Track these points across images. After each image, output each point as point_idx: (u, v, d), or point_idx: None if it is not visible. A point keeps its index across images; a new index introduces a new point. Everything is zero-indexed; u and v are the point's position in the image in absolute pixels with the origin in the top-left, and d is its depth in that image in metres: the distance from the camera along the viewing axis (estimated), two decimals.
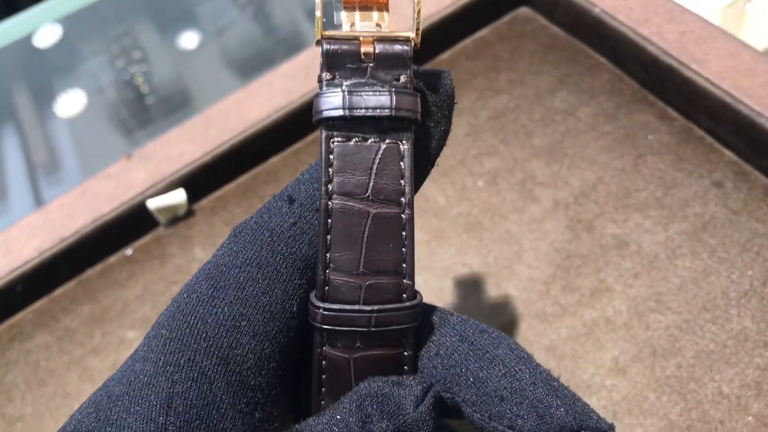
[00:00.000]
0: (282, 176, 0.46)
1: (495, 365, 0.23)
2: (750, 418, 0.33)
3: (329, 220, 0.22)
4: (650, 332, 0.36)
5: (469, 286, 0.40)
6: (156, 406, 0.21)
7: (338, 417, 0.21)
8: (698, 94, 0.42)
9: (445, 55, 0.50)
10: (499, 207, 0.42)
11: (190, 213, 0.45)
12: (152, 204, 0.43)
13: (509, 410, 0.22)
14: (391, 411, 0.21)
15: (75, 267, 0.44)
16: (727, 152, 0.42)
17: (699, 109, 0.42)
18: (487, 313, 0.39)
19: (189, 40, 0.67)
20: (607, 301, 0.38)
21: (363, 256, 0.22)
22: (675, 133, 0.43)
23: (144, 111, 0.62)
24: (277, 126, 0.45)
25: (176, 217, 0.45)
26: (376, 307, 0.22)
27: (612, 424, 0.23)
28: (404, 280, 0.22)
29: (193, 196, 0.45)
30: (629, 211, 0.40)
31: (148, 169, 0.44)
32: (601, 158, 0.43)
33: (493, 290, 0.39)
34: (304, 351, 0.24)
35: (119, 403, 0.21)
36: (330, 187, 0.22)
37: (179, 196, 0.44)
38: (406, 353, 0.23)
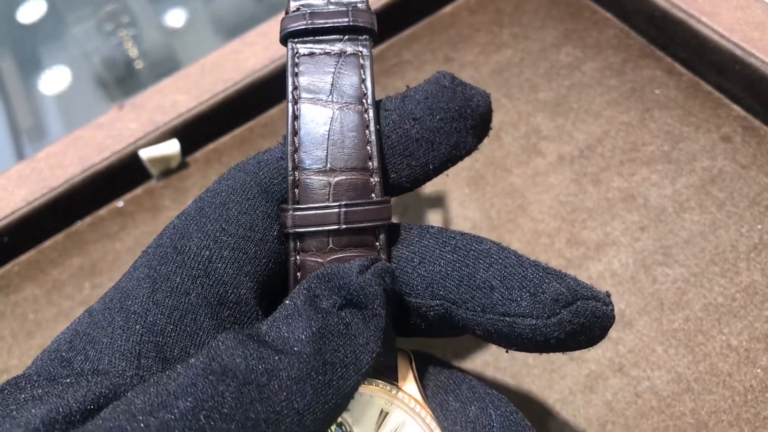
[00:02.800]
0: (279, 128, 0.45)
1: (480, 259, 0.22)
2: (759, 370, 0.33)
3: (296, 123, 0.23)
4: (657, 285, 0.36)
5: None
6: (134, 315, 0.21)
7: (287, 302, 0.21)
8: (707, 47, 0.41)
9: (447, 9, 0.48)
10: (503, 161, 0.41)
11: (183, 165, 0.44)
12: (145, 154, 0.42)
13: (501, 296, 0.22)
14: (338, 285, 0.21)
15: (64, 218, 0.42)
16: (735, 107, 0.41)
17: (707, 64, 0.41)
18: None
19: (176, 16, 0.64)
20: (613, 254, 0.37)
21: (328, 152, 0.23)
22: (682, 88, 0.42)
23: (132, 77, 0.61)
24: (273, 76, 0.44)
25: (169, 169, 0.43)
26: (344, 203, 0.22)
27: (607, 291, 0.23)
28: (372, 178, 0.23)
29: (187, 148, 0.43)
30: (636, 165, 0.40)
31: (141, 119, 0.43)
32: (607, 112, 0.42)
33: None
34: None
35: (100, 315, 0.22)
36: (296, 92, 0.23)
37: (173, 146, 0.42)
38: (380, 257, 0.23)
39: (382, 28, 0.47)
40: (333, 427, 0.23)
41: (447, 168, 0.24)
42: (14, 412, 0.19)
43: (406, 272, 0.23)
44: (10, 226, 0.41)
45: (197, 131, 0.43)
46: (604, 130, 0.41)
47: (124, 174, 0.42)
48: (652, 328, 0.34)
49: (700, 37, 0.41)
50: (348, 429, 0.23)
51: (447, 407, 0.23)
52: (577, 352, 0.34)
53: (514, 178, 0.40)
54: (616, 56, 0.44)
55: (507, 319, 0.21)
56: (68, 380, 0.20)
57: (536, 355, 0.34)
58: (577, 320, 0.21)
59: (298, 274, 0.23)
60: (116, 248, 0.41)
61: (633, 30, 0.45)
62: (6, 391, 0.20)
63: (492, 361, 0.35)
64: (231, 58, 0.45)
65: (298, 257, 0.23)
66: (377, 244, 0.23)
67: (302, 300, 0.21)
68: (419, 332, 0.25)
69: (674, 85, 0.42)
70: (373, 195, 0.23)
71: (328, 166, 0.23)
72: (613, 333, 0.34)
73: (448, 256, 0.23)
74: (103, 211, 0.43)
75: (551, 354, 0.34)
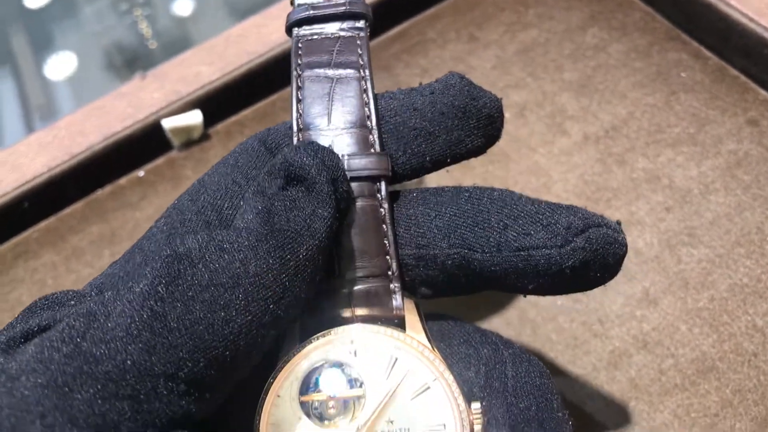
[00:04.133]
0: None
1: (493, 203, 0.23)
2: None
3: (300, 92, 0.25)
4: (682, 265, 0.35)
5: None
6: (153, 253, 0.23)
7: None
8: (734, 30, 0.40)
9: None
10: (527, 139, 0.41)
11: (205, 136, 0.44)
12: (167, 124, 0.42)
13: (515, 233, 0.22)
14: (276, 167, 0.23)
15: (84, 186, 0.42)
16: (762, 92, 0.41)
17: (734, 48, 0.41)
18: None
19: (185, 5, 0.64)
20: (638, 234, 0.37)
21: (330, 115, 0.25)
22: (709, 72, 0.42)
23: (144, 58, 0.60)
24: None
25: (191, 140, 0.43)
26: (347, 153, 0.24)
27: (618, 220, 0.23)
28: (371, 134, 0.25)
29: (209, 120, 0.43)
30: (661, 147, 0.39)
31: (164, 89, 0.43)
32: (633, 94, 0.42)
33: None
34: None
35: (127, 259, 0.24)
36: (299, 68, 0.26)
37: (195, 117, 0.42)
38: (381, 208, 0.24)
39: (407, 5, 0.47)
40: (344, 379, 0.23)
41: (447, 164, 0.25)
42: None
43: (423, 226, 0.24)
44: (31, 192, 0.40)
45: (220, 103, 0.43)
46: (630, 111, 0.41)
47: (145, 143, 0.42)
48: (676, 307, 0.34)
49: (727, 20, 0.40)
50: (357, 377, 0.23)
51: (454, 351, 0.24)
52: (600, 329, 0.34)
53: (539, 156, 0.40)
54: (641, 39, 0.44)
55: (522, 253, 0.22)
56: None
57: (559, 330, 0.34)
58: (590, 247, 0.22)
59: None
60: (136, 217, 0.41)
61: (658, 13, 0.45)
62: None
63: (514, 336, 0.34)
64: (255, 32, 0.44)
65: None
66: (379, 195, 0.24)
67: (251, 193, 0.22)
68: (438, 289, 0.25)
69: (700, 69, 0.42)
70: (372, 150, 0.24)
71: (330, 125, 0.25)
72: (637, 311, 0.34)
73: (463, 206, 0.24)
74: (123, 180, 0.43)
75: (574, 330, 0.34)
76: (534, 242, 0.22)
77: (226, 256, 0.20)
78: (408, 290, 0.25)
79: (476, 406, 0.23)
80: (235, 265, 0.20)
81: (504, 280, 0.23)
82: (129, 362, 0.18)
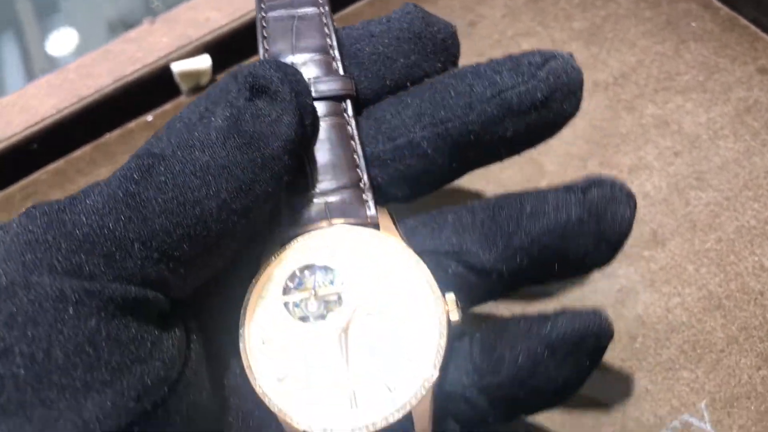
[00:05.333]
0: None
1: (457, 78, 0.25)
2: None
3: (265, 30, 0.27)
4: (690, 208, 0.36)
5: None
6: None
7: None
8: None
9: None
10: None
11: (213, 82, 0.43)
12: (176, 67, 0.41)
13: (482, 86, 0.25)
14: (242, 76, 0.24)
15: (93, 129, 0.42)
16: None
17: None
18: (523, 187, 0.37)
19: None
20: (646, 178, 0.37)
21: (294, 45, 0.27)
22: (719, 22, 0.42)
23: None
24: None
25: (199, 86, 0.43)
26: (312, 76, 0.26)
27: (569, 52, 0.25)
28: (334, 61, 0.27)
29: (218, 66, 0.43)
30: (670, 94, 0.39)
31: (173, 33, 0.42)
32: (642, 42, 0.42)
33: (527, 164, 0.38)
34: None
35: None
36: (263, 8, 0.28)
37: (204, 61, 0.42)
38: (348, 126, 0.26)
39: None
40: (323, 278, 0.25)
41: (407, 86, 0.27)
42: None
43: (393, 120, 0.26)
44: (40, 133, 0.40)
45: (229, 49, 0.43)
46: (639, 59, 0.41)
47: (154, 87, 0.42)
48: (683, 248, 0.34)
49: None
50: (336, 276, 0.24)
51: (420, 235, 0.26)
52: (608, 268, 0.34)
53: None
54: None
55: (495, 99, 0.24)
56: None
57: None
58: (553, 76, 0.24)
59: None
60: None
61: None
62: None
63: None
64: None
65: None
66: (346, 114, 0.26)
67: (220, 108, 0.23)
68: (417, 183, 0.26)
69: (710, 19, 0.42)
70: (336, 74, 0.26)
71: (295, 56, 0.27)
72: (644, 251, 0.35)
73: (427, 92, 0.26)
74: (132, 124, 0.43)
75: None
76: (503, 84, 0.24)
77: (196, 152, 0.22)
78: (384, 196, 0.26)
79: (450, 296, 0.24)
80: (204, 159, 0.21)
81: (481, 141, 0.25)
82: (105, 230, 0.20)
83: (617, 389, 0.31)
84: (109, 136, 0.42)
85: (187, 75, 0.42)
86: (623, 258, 0.34)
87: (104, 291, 0.20)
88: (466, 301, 0.25)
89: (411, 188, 0.26)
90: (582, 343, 0.23)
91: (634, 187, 0.36)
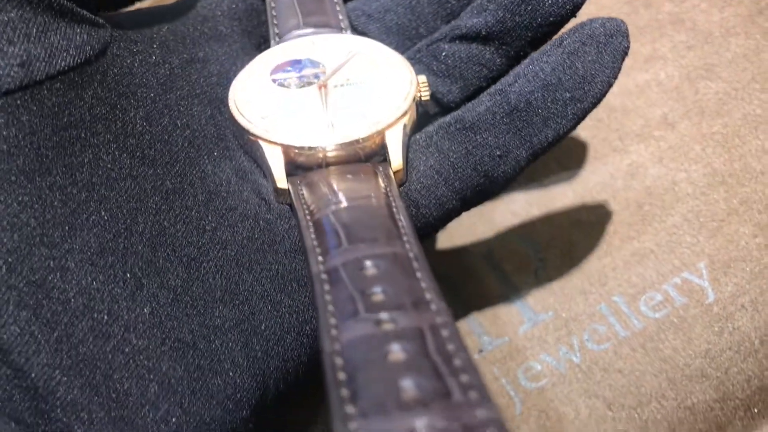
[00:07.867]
0: None
1: None
2: None
3: (273, 10, 0.31)
4: (699, 95, 0.37)
5: None
6: None
7: None
8: None
9: None
10: None
11: None
12: None
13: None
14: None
15: None
16: None
17: None
18: None
19: None
20: (660, 67, 0.39)
21: (299, 11, 0.31)
22: None
23: None
24: None
25: None
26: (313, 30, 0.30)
27: None
28: (342, 30, 0.30)
29: None
30: None
31: None
32: None
33: None
34: None
35: None
36: None
37: None
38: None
39: None
40: (308, 64, 0.28)
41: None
42: None
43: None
44: None
45: None
46: None
47: None
48: (691, 130, 0.36)
49: None
50: (319, 60, 0.28)
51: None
52: (620, 144, 0.36)
53: None
54: None
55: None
56: None
57: (580, 143, 0.36)
58: None
59: None
60: None
61: None
62: None
63: None
64: None
65: None
66: None
67: None
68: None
69: None
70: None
71: (301, 22, 0.30)
72: (655, 131, 0.36)
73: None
74: None
75: (596, 145, 0.36)
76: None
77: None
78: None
79: (422, 78, 0.27)
80: None
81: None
82: None
83: (624, 249, 0.33)
84: None
85: None
86: (635, 137, 0.36)
87: None
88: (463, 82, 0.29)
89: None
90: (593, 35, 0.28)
91: (649, 75, 0.38)
